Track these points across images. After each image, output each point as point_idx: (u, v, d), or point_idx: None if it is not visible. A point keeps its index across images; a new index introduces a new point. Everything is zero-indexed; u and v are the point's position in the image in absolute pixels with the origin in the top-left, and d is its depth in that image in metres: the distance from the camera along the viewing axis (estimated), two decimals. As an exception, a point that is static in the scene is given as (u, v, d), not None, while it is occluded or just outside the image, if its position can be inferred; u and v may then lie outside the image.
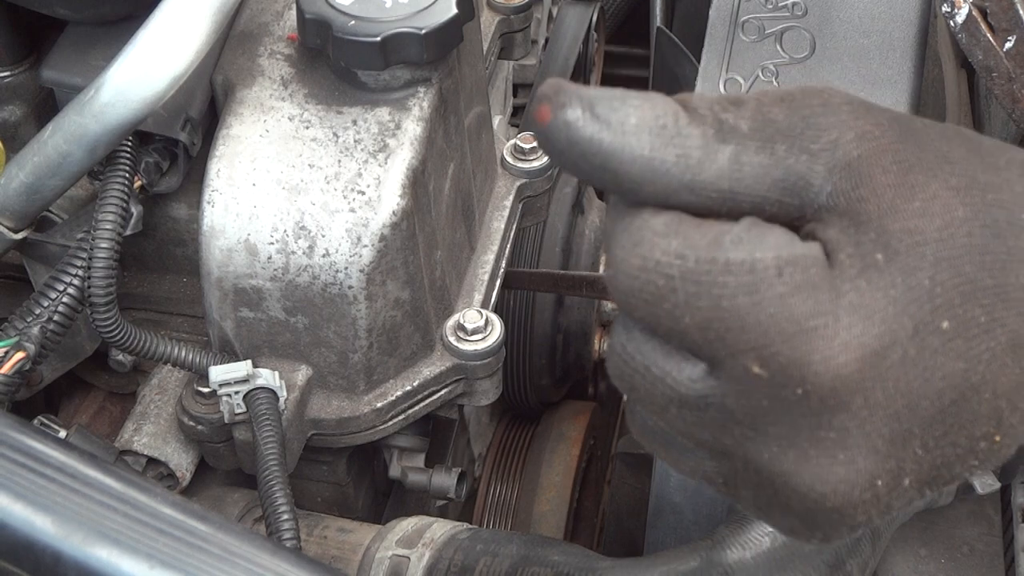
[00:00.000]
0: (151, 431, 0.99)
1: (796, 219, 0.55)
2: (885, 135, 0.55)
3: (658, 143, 0.54)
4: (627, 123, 0.54)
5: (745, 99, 0.56)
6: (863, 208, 0.54)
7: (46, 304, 0.91)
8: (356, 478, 1.12)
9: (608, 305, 1.43)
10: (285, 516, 0.90)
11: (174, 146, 0.98)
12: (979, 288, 0.54)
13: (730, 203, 0.54)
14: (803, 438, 0.54)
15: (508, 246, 1.13)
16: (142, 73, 0.87)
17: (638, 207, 0.55)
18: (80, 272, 0.92)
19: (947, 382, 0.54)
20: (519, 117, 1.48)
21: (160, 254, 1.06)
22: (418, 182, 0.94)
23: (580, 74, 1.56)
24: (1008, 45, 0.95)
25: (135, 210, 0.94)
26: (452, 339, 1.01)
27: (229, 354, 0.97)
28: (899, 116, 0.57)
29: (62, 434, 0.95)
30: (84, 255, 0.91)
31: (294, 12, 0.96)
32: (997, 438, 0.56)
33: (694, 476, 0.60)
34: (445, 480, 1.11)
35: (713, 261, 0.53)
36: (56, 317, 0.91)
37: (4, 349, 0.88)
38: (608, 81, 1.74)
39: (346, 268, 0.92)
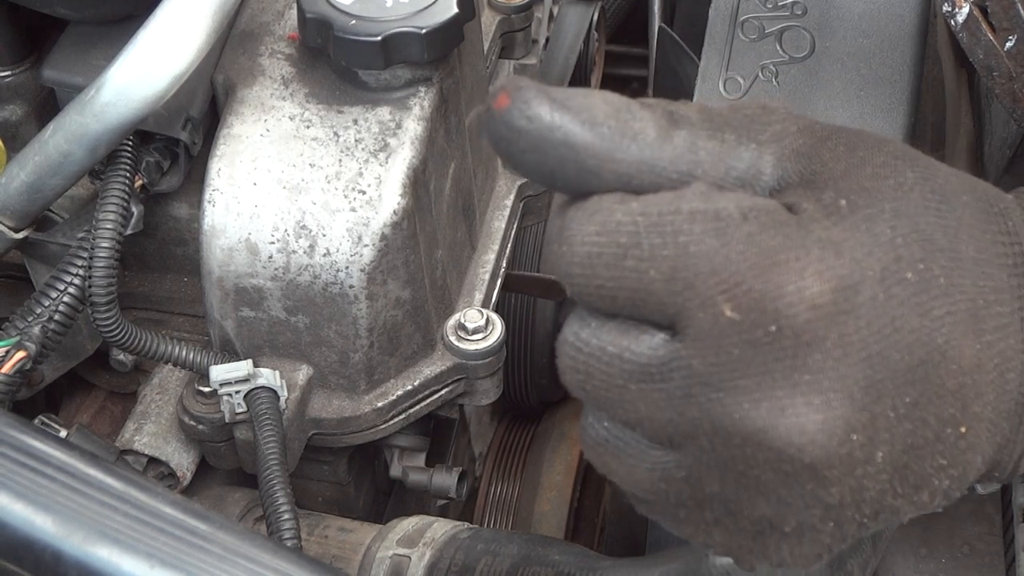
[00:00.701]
0: (152, 430, 0.99)
1: None
2: (825, 128, 0.57)
3: (615, 123, 0.54)
4: (584, 104, 0.54)
5: (688, 102, 0.57)
6: (817, 178, 0.55)
7: (47, 303, 0.92)
8: (357, 478, 1.12)
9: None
10: (286, 516, 0.90)
11: (175, 145, 0.98)
12: (937, 248, 0.54)
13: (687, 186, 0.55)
14: (777, 385, 0.52)
15: (509, 245, 1.13)
16: (143, 72, 0.87)
17: (586, 196, 0.55)
18: (81, 271, 0.92)
19: (914, 337, 0.53)
20: (520, 117, 1.47)
21: (161, 253, 1.06)
22: (419, 181, 0.94)
23: (580, 73, 1.56)
24: (1009, 44, 0.95)
25: (136, 209, 0.94)
26: (453, 338, 1.01)
27: (230, 353, 0.97)
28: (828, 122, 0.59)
29: (63, 433, 0.95)
30: (85, 254, 0.91)
31: (295, 11, 0.96)
32: (963, 429, 0.55)
33: (651, 484, 0.57)
34: (446, 480, 1.11)
35: (677, 211, 0.53)
36: (57, 316, 0.91)
37: (5, 348, 0.88)
38: (609, 80, 1.74)
39: (347, 267, 0.92)
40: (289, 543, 0.89)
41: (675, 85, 1.27)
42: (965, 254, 0.55)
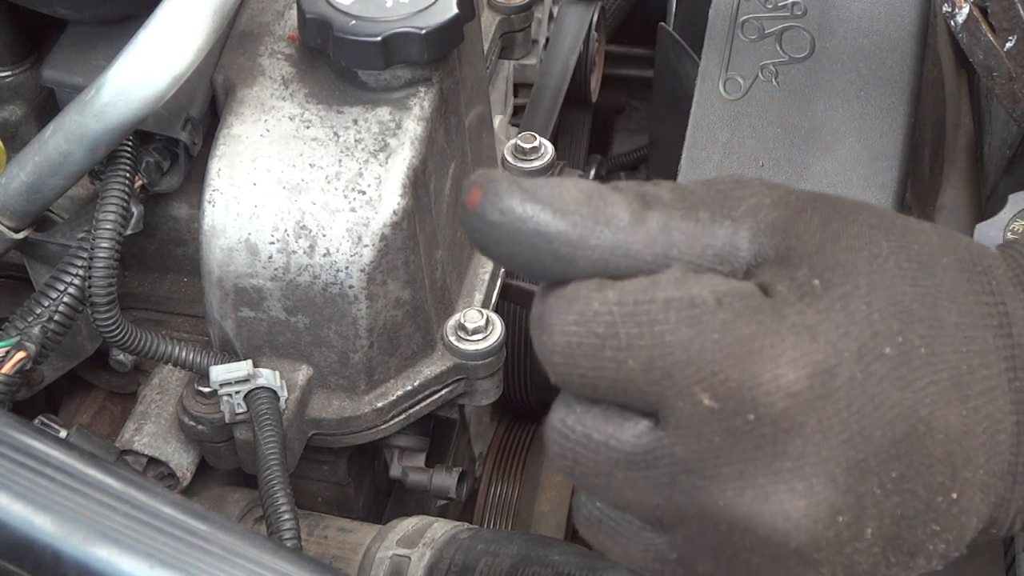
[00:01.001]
0: (152, 431, 0.99)
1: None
2: (800, 198, 0.57)
3: (587, 210, 0.54)
4: (554, 193, 0.55)
5: (661, 181, 0.57)
6: (792, 254, 0.55)
7: (47, 304, 0.91)
8: (356, 478, 1.12)
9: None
10: (286, 516, 0.90)
11: (175, 146, 0.98)
12: (915, 318, 0.54)
13: (664, 269, 0.55)
14: (759, 473, 0.53)
15: (509, 246, 1.13)
16: (143, 73, 0.87)
17: (565, 282, 0.55)
18: (81, 272, 0.92)
19: (896, 411, 0.53)
20: (519, 117, 1.48)
21: (161, 254, 1.06)
22: (419, 181, 0.94)
23: (580, 74, 1.56)
24: (1009, 45, 0.95)
25: (136, 210, 0.94)
26: (453, 339, 1.01)
27: (230, 354, 0.97)
28: (803, 189, 0.59)
29: (63, 434, 0.95)
30: (85, 255, 0.91)
31: (295, 12, 0.96)
32: (954, 495, 0.55)
33: (645, 564, 0.58)
34: (446, 480, 1.11)
35: (652, 300, 0.53)
36: (57, 317, 0.91)
37: (5, 349, 0.88)
38: (609, 81, 1.74)
39: (347, 268, 0.92)
40: (289, 543, 0.89)
41: (675, 85, 1.27)
42: (946, 320, 0.55)
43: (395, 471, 1.12)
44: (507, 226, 0.54)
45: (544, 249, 0.54)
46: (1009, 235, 0.91)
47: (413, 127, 0.94)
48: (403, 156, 0.93)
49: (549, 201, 0.54)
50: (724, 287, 0.53)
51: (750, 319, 0.53)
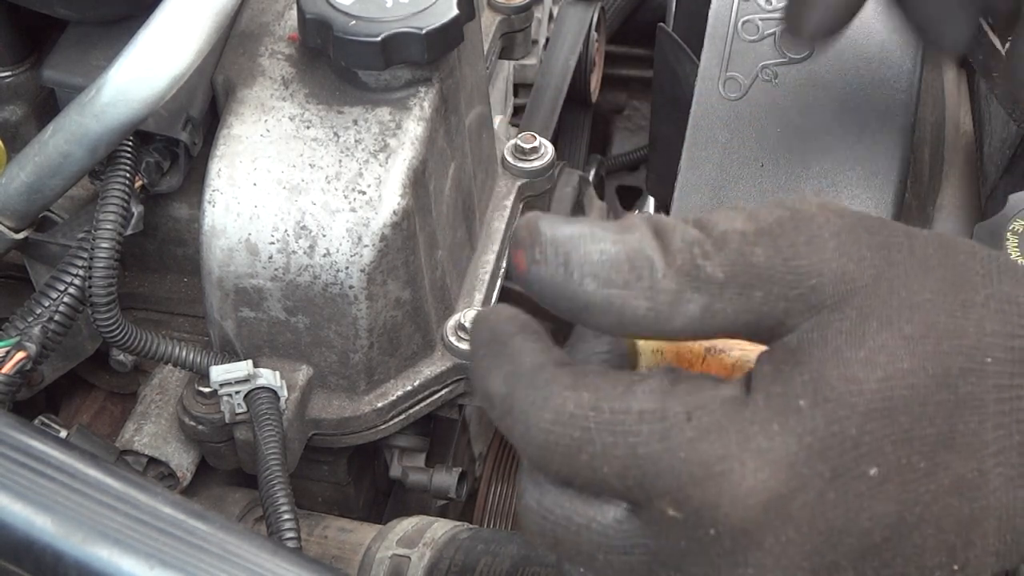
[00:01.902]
0: (152, 431, 0.99)
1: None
2: (863, 274, 0.55)
3: (628, 295, 0.55)
4: (599, 275, 0.55)
5: (728, 237, 0.55)
6: (810, 350, 0.55)
7: (47, 304, 0.92)
8: (356, 478, 1.12)
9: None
10: (286, 516, 0.90)
11: (175, 146, 0.98)
12: (916, 438, 0.54)
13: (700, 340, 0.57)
14: (724, 575, 0.55)
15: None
16: (143, 73, 0.87)
17: (539, 366, 0.57)
18: (81, 272, 0.92)
19: (875, 522, 0.54)
20: (519, 117, 1.48)
21: (161, 254, 1.06)
22: (419, 182, 0.94)
23: (580, 74, 1.56)
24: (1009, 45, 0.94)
25: (136, 210, 0.95)
26: (453, 339, 1.01)
27: (230, 354, 0.97)
28: (889, 243, 0.56)
29: (63, 434, 0.95)
30: (85, 255, 0.91)
31: (295, 12, 0.96)
32: (955, 567, 0.56)
33: None
34: (446, 480, 1.11)
35: (627, 411, 0.55)
36: (57, 317, 0.91)
37: (5, 349, 0.88)
38: (609, 81, 1.74)
39: (347, 268, 0.92)
40: (289, 543, 0.89)
41: (674, 85, 1.27)
42: (962, 429, 0.54)
43: (395, 471, 1.12)
44: (548, 300, 0.56)
45: (582, 315, 0.56)
46: (1009, 235, 0.91)
47: (413, 127, 0.94)
48: (403, 156, 0.93)
49: (592, 271, 0.55)
50: (695, 400, 0.55)
51: (715, 440, 0.54)
